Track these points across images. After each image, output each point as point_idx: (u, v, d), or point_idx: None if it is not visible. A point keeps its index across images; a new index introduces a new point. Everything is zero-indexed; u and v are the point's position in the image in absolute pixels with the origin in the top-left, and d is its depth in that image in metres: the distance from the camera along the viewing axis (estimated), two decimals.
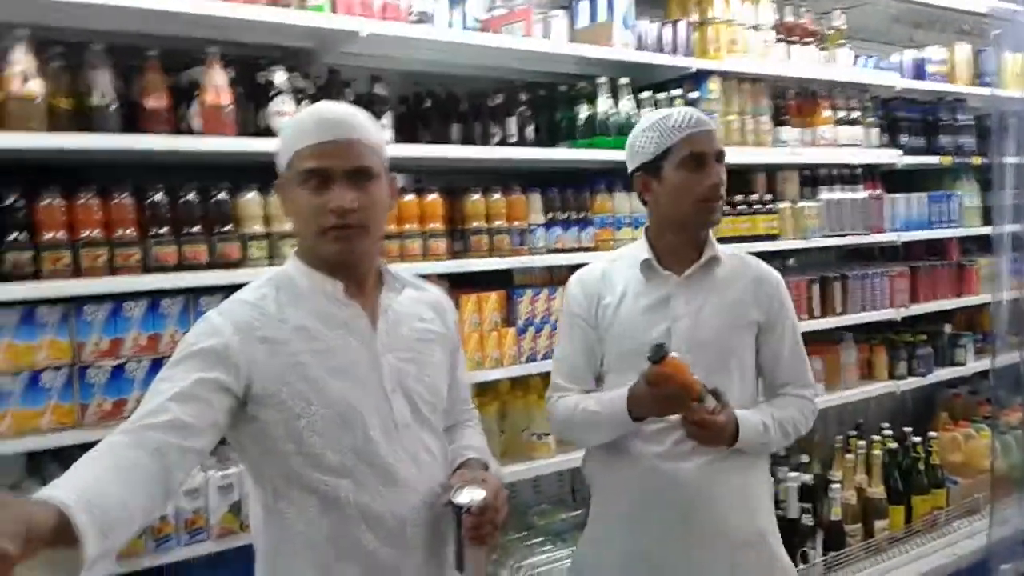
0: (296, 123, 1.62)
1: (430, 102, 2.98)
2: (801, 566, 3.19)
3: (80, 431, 2.15)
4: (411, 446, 1.62)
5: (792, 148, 3.67)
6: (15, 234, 2.06)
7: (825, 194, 3.82)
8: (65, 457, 2.35)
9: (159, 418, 1.38)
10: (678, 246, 2.09)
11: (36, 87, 2.06)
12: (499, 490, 1.63)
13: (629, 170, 2.12)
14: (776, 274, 2.18)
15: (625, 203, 3.15)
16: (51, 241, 2.09)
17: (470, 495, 1.57)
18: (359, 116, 1.62)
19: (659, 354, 1.85)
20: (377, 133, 1.65)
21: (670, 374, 1.86)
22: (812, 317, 3.70)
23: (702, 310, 2.05)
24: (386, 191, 1.63)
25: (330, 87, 2.63)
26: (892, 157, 4.04)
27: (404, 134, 2.82)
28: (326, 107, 1.65)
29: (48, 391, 2.10)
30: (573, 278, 2.18)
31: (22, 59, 2.05)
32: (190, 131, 2.33)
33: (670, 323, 2.04)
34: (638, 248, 2.13)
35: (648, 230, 2.15)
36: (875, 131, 4.05)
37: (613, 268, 2.15)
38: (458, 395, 1.85)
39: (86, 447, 2.29)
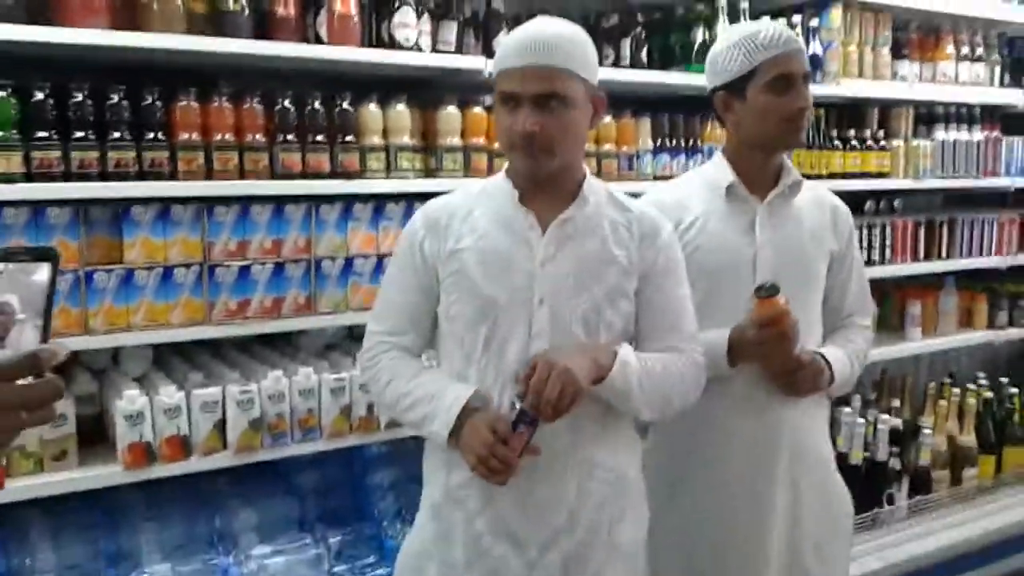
0: (505, 43, 1.69)
1: None
2: (886, 507, 3.21)
3: (206, 327, 2.25)
4: None
5: (910, 83, 3.54)
6: (153, 134, 2.13)
7: (940, 134, 3.68)
8: (187, 352, 2.49)
9: (403, 340, 1.80)
10: (759, 169, 2.04)
11: None
12: (559, 366, 1.56)
13: (709, 88, 2.06)
14: (844, 205, 2.17)
15: None
16: (186, 142, 2.16)
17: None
18: (562, 40, 1.64)
19: (772, 291, 1.84)
20: (582, 57, 1.66)
21: (779, 316, 1.85)
22: (915, 260, 3.61)
23: (787, 237, 2.03)
24: (582, 115, 1.67)
25: (451, 2, 2.61)
26: (1014, 98, 3.87)
27: None
28: (533, 30, 1.66)
29: (180, 287, 2.19)
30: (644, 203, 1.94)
31: None
32: (317, 39, 2.35)
33: (755, 248, 2.01)
34: (717, 170, 2.07)
35: (726, 152, 2.09)
36: (998, 70, 3.87)
37: (688, 192, 2.09)
38: (658, 322, 1.77)
39: (210, 343, 2.49)
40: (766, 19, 3.02)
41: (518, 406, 1.58)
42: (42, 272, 0.88)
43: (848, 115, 3.44)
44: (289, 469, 2.59)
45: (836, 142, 3.36)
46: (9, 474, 2.04)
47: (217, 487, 2.49)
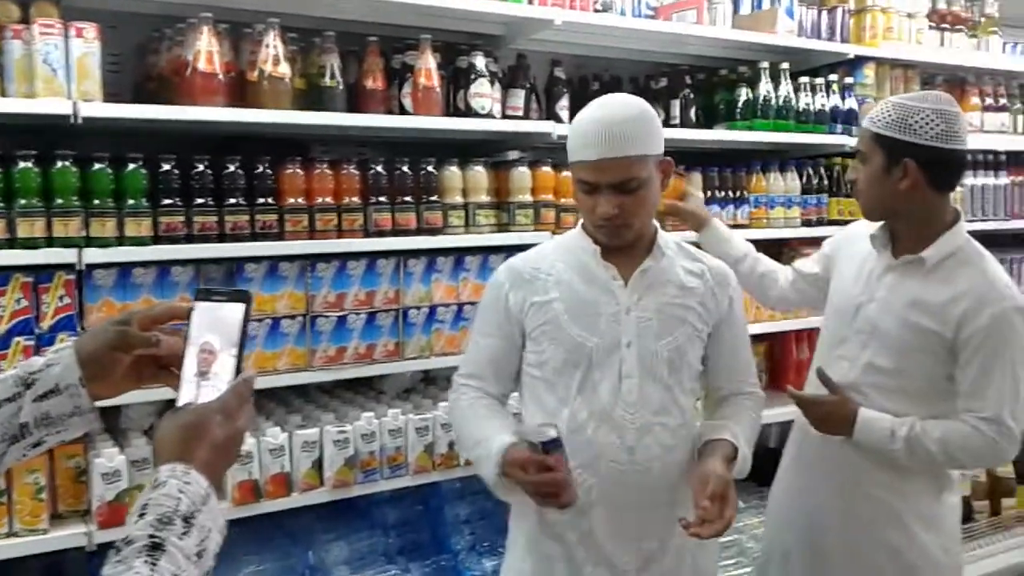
0: (577, 133, 1.83)
1: (597, 85, 3.18)
2: None
3: (308, 373, 2.46)
4: (632, 396, 1.84)
5: None
6: (264, 199, 2.36)
7: (968, 179, 3.88)
8: (283, 396, 2.69)
9: (484, 384, 1.96)
10: (909, 234, 2.09)
11: (285, 68, 2.34)
12: (722, 489, 1.72)
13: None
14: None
15: (780, 183, 3.31)
16: (292, 206, 2.39)
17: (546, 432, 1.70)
18: (633, 127, 1.78)
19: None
20: (649, 136, 1.81)
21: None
22: None
23: (899, 299, 2.08)
24: (654, 186, 1.84)
25: (517, 71, 2.85)
26: None
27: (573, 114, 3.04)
28: (603, 120, 1.78)
29: (286, 336, 2.40)
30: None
31: (273, 43, 2.33)
32: (402, 109, 2.59)
33: (866, 298, 2.13)
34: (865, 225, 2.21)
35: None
36: (1021, 118, 4.08)
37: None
38: (729, 366, 2.00)
39: (302, 388, 2.69)
40: (836, 88, 3.30)
41: (547, 436, 1.69)
42: (237, 311, 1.04)
43: None
44: (374, 504, 2.77)
45: None
46: None
47: (310, 522, 2.68)
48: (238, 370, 1.03)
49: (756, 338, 2.96)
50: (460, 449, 2.21)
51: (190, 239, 2.25)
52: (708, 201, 3.18)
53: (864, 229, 2.21)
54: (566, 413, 1.87)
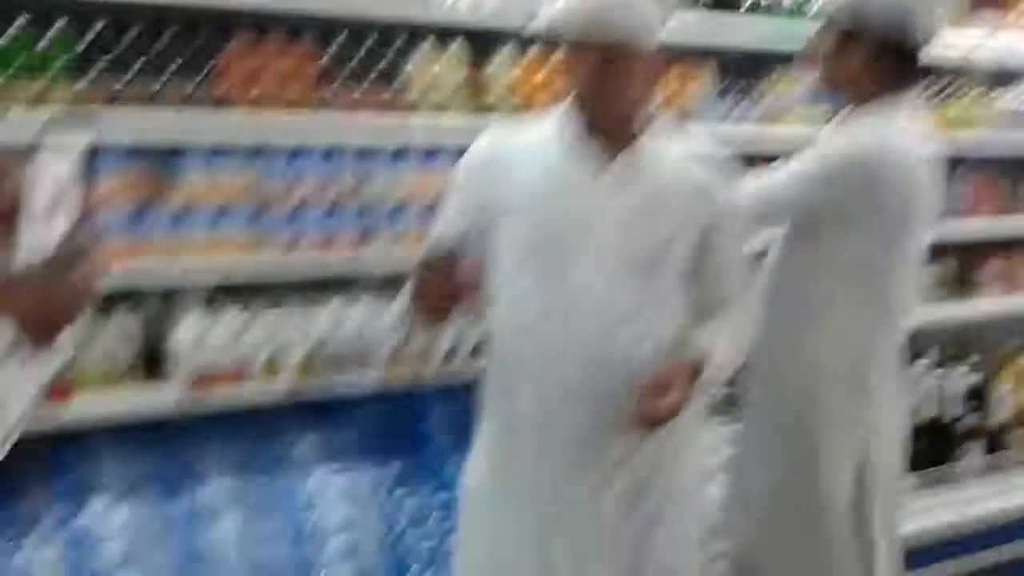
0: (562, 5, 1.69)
1: None
2: (958, 464, 3.11)
3: (256, 261, 2.30)
4: (604, 291, 1.66)
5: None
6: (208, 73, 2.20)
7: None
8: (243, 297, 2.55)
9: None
10: None
11: None
12: (668, 376, 1.60)
13: None
14: None
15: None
16: (242, 82, 2.23)
17: None
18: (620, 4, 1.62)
19: None
20: (641, 14, 1.64)
21: None
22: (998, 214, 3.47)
23: None
24: (645, 66, 1.66)
25: None
26: None
27: None
28: None
29: (231, 223, 2.25)
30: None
31: None
32: None
33: None
34: None
35: None
36: None
37: None
38: (719, 273, 1.80)
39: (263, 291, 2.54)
40: None
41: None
42: (79, 141, 0.89)
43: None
44: (352, 397, 2.65)
45: None
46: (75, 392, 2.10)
47: (282, 413, 2.57)
48: (83, 214, 0.89)
49: None
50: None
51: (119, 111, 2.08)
52: (716, 99, 2.91)
53: None
54: (532, 305, 1.70)
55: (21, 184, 0.87)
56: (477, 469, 1.86)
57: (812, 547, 2.12)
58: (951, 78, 3.32)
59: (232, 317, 2.28)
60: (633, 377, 1.64)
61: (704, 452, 1.99)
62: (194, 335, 2.21)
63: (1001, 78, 3.54)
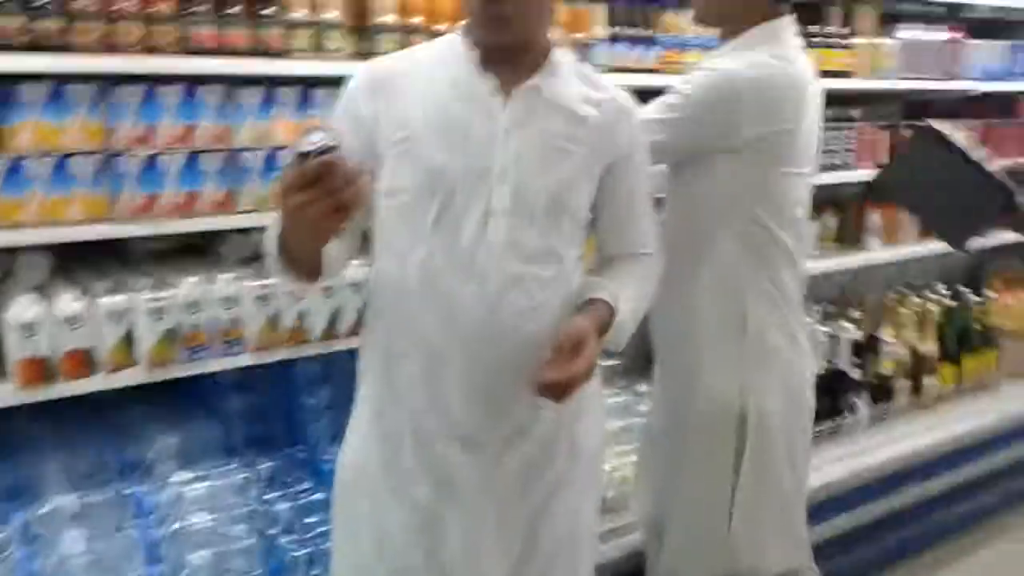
0: None
1: None
2: (848, 417, 3.11)
3: (109, 225, 1.97)
4: (499, 237, 1.47)
5: None
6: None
7: (904, 33, 3.51)
8: (93, 262, 2.21)
9: None
10: None
11: None
12: (575, 339, 1.42)
13: None
14: None
15: None
16: (83, 10, 1.86)
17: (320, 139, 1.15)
18: None
19: None
20: None
21: None
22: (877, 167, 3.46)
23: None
24: None
25: None
26: None
27: None
28: None
29: (77, 178, 1.91)
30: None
31: None
32: None
33: None
34: None
35: None
36: None
37: None
38: (622, 220, 1.66)
39: (120, 254, 2.21)
40: None
41: (313, 145, 1.15)
42: None
43: (809, 12, 3.23)
44: (214, 390, 2.35)
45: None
46: None
47: (133, 411, 2.25)
48: None
49: None
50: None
51: None
52: (613, 39, 2.74)
53: None
54: (419, 254, 1.49)
55: None
56: (355, 447, 1.66)
57: (701, 491, 2.03)
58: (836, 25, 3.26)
59: (74, 295, 1.93)
60: (533, 337, 1.48)
61: (605, 414, 1.83)
62: (29, 317, 1.85)
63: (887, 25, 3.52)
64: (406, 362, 1.54)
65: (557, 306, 1.53)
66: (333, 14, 2.18)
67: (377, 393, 1.60)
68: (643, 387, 3.06)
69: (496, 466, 1.56)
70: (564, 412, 1.56)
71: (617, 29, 2.75)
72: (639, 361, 3.09)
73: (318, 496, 2.23)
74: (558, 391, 1.40)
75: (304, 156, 1.14)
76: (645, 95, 1.84)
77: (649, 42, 2.81)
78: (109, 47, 1.90)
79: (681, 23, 2.87)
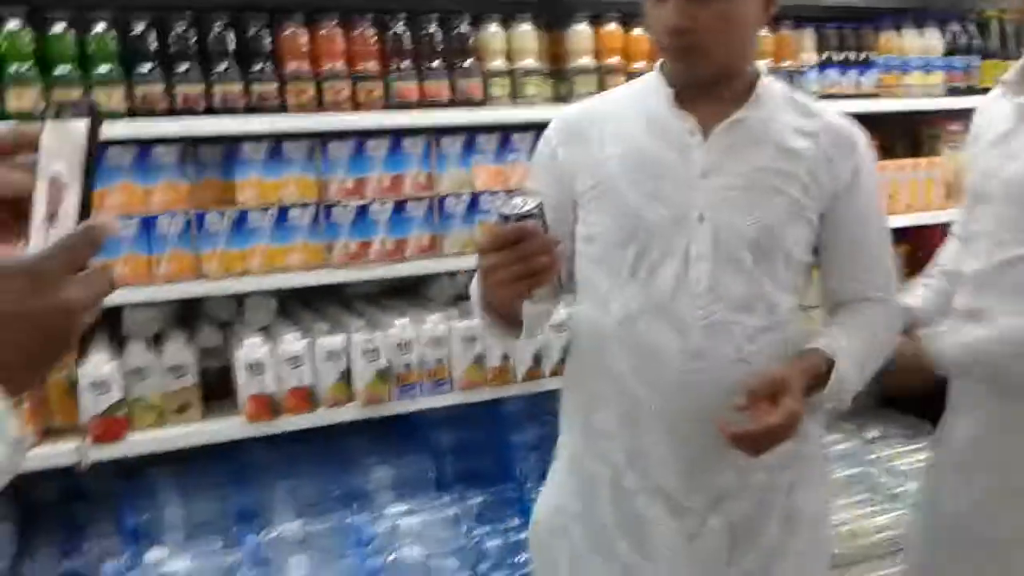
0: None
1: None
2: None
3: (327, 271, 2.11)
4: (701, 283, 1.38)
5: None
6: (260, 65, 2.00)
7: None
8: (313, 303, 2.37)
9: None
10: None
11: None
12: (772, 389, 1.30)
13: None
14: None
15: (916, 42, 2.68)
16: (295, 73, 2.02)
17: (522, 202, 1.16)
18: None
19: None
20: None
21: None
22: None
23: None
24: (747, 7, 1.35)
25: None
26: None
27: None
28: None
29: (296, 228, 2.06)
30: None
31: None
32: None
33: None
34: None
35: None
36: None
37: None
38: (849, 261, 1.50)
39: (336, 296, 2.36)
40: None
41: (518, 208, 1.17)
42: (81, 128, 0.70)
43: None
44: (425, 426, 2.43)
45: None
46: (131, 427, 1.97)
47: (350, 443, 2.37)
48: (84, 210, 0.68)
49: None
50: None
51: (172, 113, 1.93)
52: (824, 65, 2.61)
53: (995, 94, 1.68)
54: (618, 300, 1.43)
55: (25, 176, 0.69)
56: (552, 500, 1.61)
57: None
58: None
59: (296, 336, 2.08)
60: (740, 390, 1.33)
61: (829, 478, 1.65)
62: (257, 357, 2.01)
63: None
64: (605, 410, 1.47)
65: (769, 358, 1.39)
66: (528, 60, 2.23)
67: (575, 439, 1.56)
68: (873, 432, 2.85)
69: (700, 526, 1.44)
70: (778, 476, 1.44)
71: (828, 54, 2.62)
72: (868, 401, 2.87)
73: (526, 534, 2.23)
74: (751, 444, 1.30)
75: (505, 219, 1.17)
76: (863, 121, 1.63)
77: (865, 66, 2.65)
78: (320, 105, 2.05)
79: (902, 44, 2.69)
